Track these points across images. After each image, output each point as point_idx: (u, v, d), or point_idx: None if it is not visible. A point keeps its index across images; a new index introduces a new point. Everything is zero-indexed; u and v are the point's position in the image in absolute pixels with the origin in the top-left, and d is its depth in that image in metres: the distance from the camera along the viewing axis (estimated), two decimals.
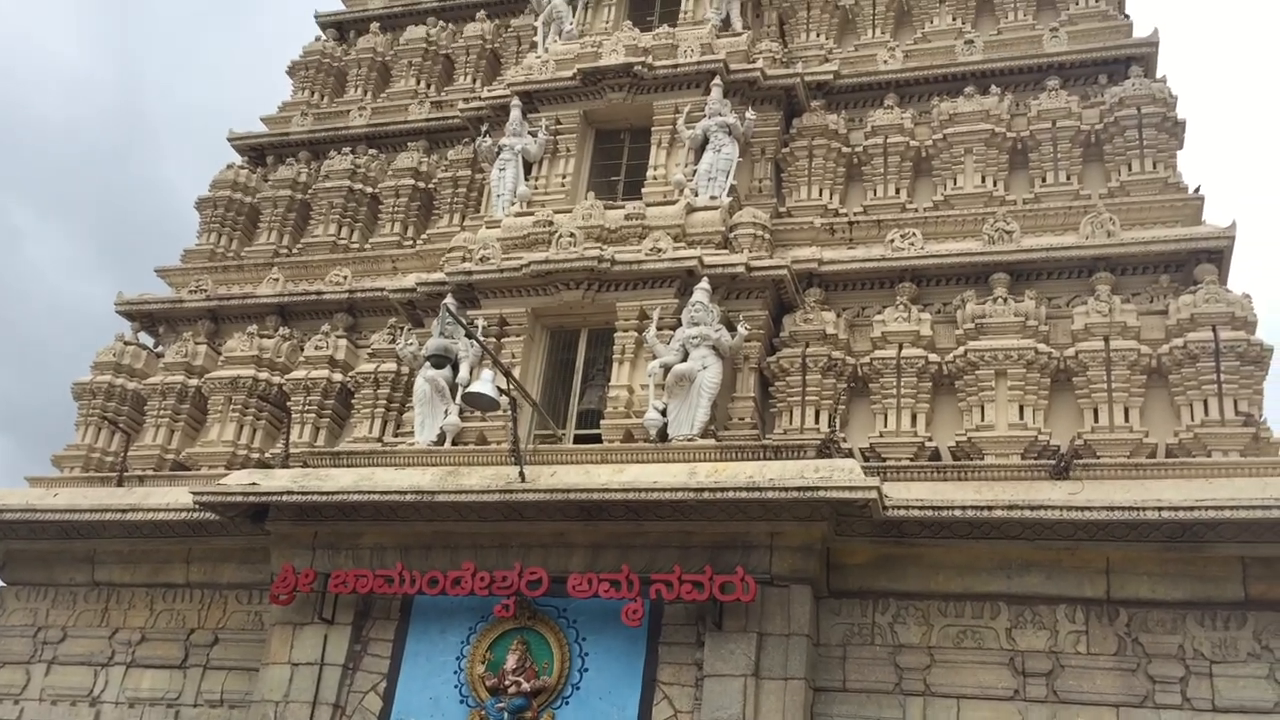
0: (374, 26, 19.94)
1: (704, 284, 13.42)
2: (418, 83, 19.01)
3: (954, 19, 16.37)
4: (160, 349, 17.35)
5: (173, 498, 14.62)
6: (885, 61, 16.13)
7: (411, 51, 19.19)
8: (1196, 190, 13.49)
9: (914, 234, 14.13)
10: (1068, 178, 14.27)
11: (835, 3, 17.03)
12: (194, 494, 13.69)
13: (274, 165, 18.79)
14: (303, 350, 16.17)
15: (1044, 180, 14.29)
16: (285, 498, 13.13)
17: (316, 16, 20.32)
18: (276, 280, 17.12)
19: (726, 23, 16.47)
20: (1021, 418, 12.46)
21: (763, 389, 13.67)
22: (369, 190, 17.94)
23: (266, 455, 15.48)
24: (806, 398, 13.28)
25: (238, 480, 13.59)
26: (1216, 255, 12.74)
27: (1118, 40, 15.13)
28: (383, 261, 16.96)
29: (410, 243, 17.23)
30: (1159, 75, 14.61)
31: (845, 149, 15.42)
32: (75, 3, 58.81)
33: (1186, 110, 14.36)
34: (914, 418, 12.96)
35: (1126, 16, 15.54)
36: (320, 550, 13.33)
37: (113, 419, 16.39)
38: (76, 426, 16.58)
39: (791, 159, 15.46)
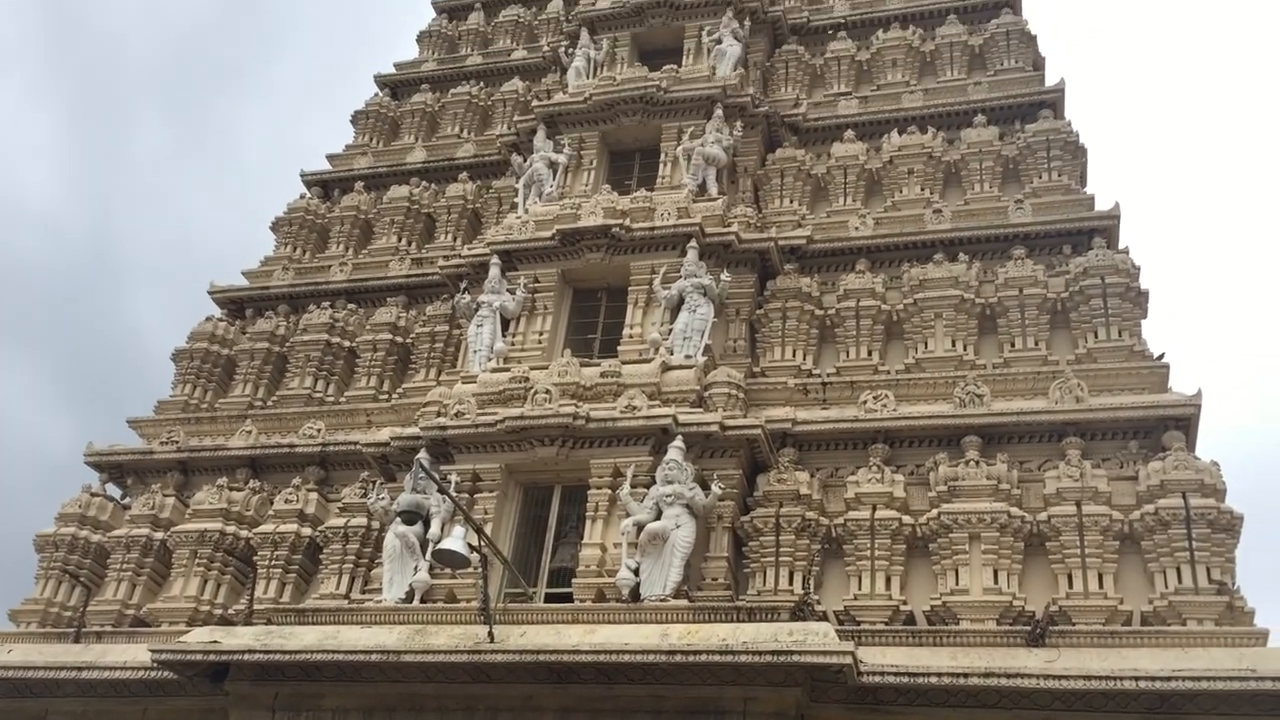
0: (359, 185, 20.46)
1: (678, 442, 13.50)
2: (399, 240, 19.41)
3: (922, 189, 16.97)
4: (127, 500, 17.16)
5: (130, 655, 14.23)
6: (856, 228, 16.64)
7: (394, 210, 19.65)
8: (1160, 358, 13.85)
9: (886, 396, 14.34)
10: (1036, 343, 14.65)
11: (808, 171, 17.65)
12: (152, 651, 13.34)
13: (253, 318, 18.99)
14: (272, 503, 16.03)
15: (1013, 345, 14.69)
16: (246, 656, 12.82)
17: (303, 175, 20.84)
18: (249, 432, 17.09)
19: (703, 188, 17.01)
20: (996, 582, 12.44)
21: (736, 549, 13.61)
22: (346, 344, 18.11)
23: (230, 611, 15.17)
24: (780, 558, 13.23)
25: (198, 638, 13.27)
26: (1184, 422, 12.99)
27: (1080, 213, 15.73)
28: (357, 415, 17.00)
29: (386, 397, 17.31)
30: (1121, 246, 15.18)
31: (818, 311, 15.77)
32: (50, 141, 59.99)
33: (1150, 278, 14.93)
34: (888, 580, 12.91)
35: (1087, 191, 16.20)
36: (280, 712, 12.94)
37: (74, 572, 16.07)
38: (36, 579, 16.24)
39: (766, 320, 15.77)
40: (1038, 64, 18.47)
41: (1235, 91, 61.02)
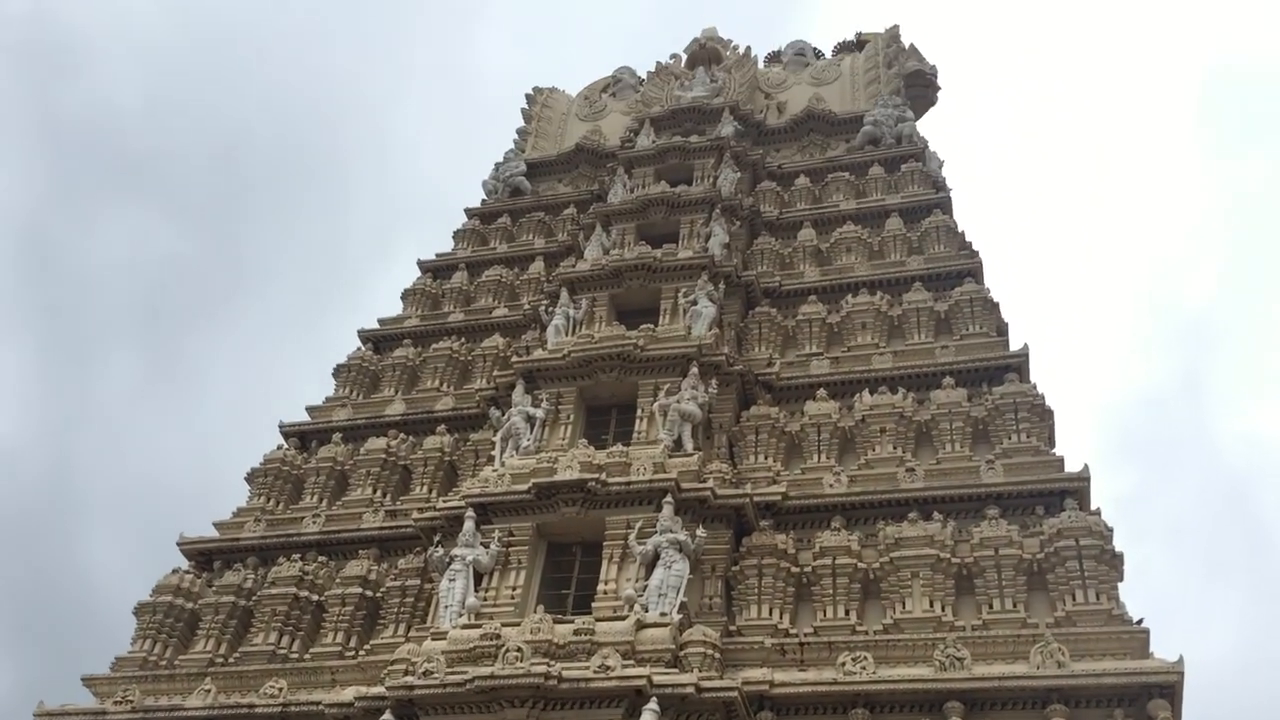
0: (336, 437, 20.62)
1: (653, 704, 13.10)
2: (374, 491, 19.40)
3: (895, 448, 17.25)
4: None
5: None
6: (831, 485, 16.78)
7: (371, 461, 19.73)
8: (1140, 622, 13.76)
9: (865, 657, 14.10)
10: (1014, 605, 14.71)
11: (782, 428, 17.96)
12: None
13: (220, 570, 18.83)
14: None
15: (990, 606, 14.76)
16: None
17: (281, 427, 21.08)
18: (208, 691, 16.47)
19: (678, 444, 17.22)
20: None
21: None
22: (315, 598, 17.76)
23: None
24: None
25: None
26: (1168, 690, 12.81)
27: (1051, 474, 16.01)
28: (322, 673, 16.45)
29: (353, 653, 16.82)
30: (1093, 508, 15.34)
31: (794, 569, 15.71)
32: (14, 377, 59.86)
33: (1123, 539, 15.08)
34: None
35: (1056, 453, 16.55)
36: None
37: None
38: None
39: (741, 577, 15.67)
40: (1001, 329, 19.24)
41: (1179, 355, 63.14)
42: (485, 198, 26.89)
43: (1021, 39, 77.09)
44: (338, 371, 22.10)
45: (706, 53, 28.32)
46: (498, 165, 27.36)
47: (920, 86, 26.25)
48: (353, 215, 70.52)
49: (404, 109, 76.05)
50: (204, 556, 19.08)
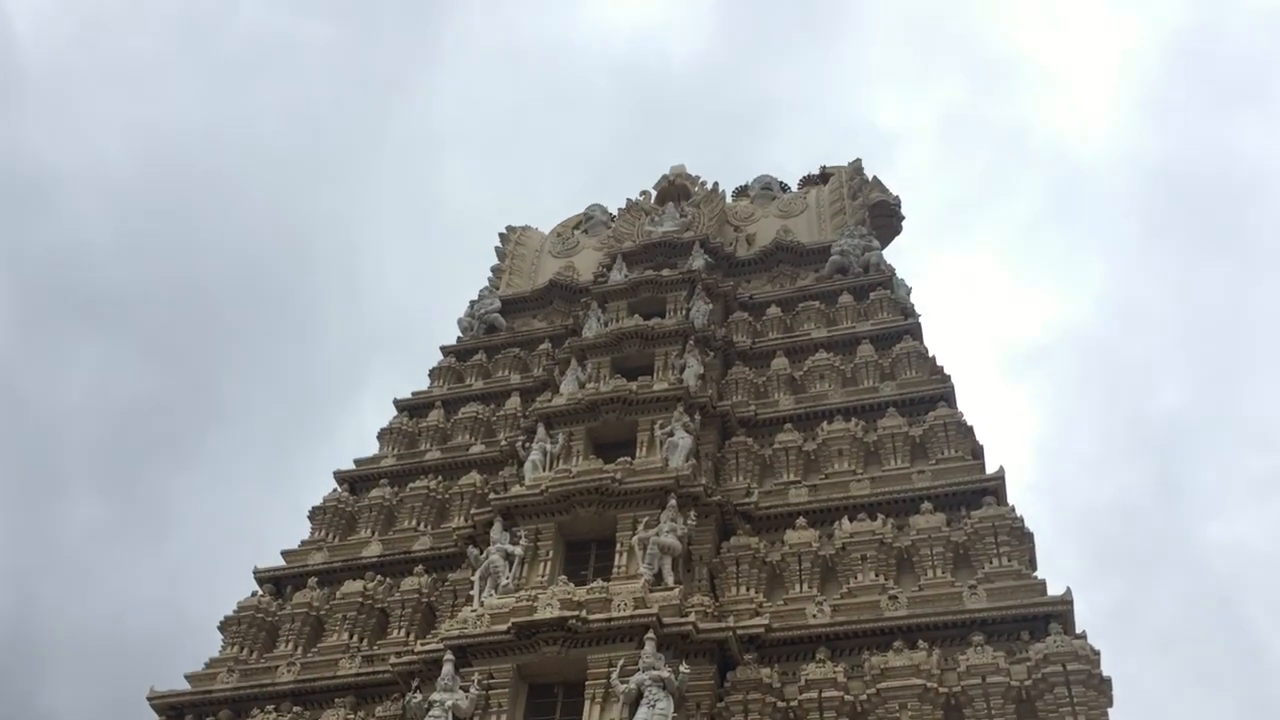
0: (312, 581, 20.33)
1: None
2: (350, 636, 19.11)
3: (876, 575, 17.18)
4: None
5: None
6: (814, 616, 16.63)
7: (347, 605, 19.48)
8: None
9: None
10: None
11: (763, 558, 17.90)
12: None
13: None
14: None
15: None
16: None
17: (256, 573, 20.95)
18: None
19: (659, 577, 17.07)
20: None
21: None
22: None
23: None
24: None
25: None
26: None
27: (1034, 598, 16.00)
28: None
29: None
30: (1079, 630, 15.28)
31: (780, 703, 15.52)
32: None
33: (1110, 664, 15.11)
34: None
35: (1038, 576, 16.61)
36: None
37: None
38: None
39: (727, 714, 15.49)
40: (976, 452, 19.40)
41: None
42: (461, 335, 27.13)
43: (981, 156, 79.35)
44: (314, 514, 21.95)
45: (675, 189, 29.04)
46: (472, 303, 27.71)
47: (884, 216, 26.93)
48: (323, 349, 70.46)
49: (372, 240, 76.92)
50: (175, 711, 18.65)
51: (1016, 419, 62.75)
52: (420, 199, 79.18)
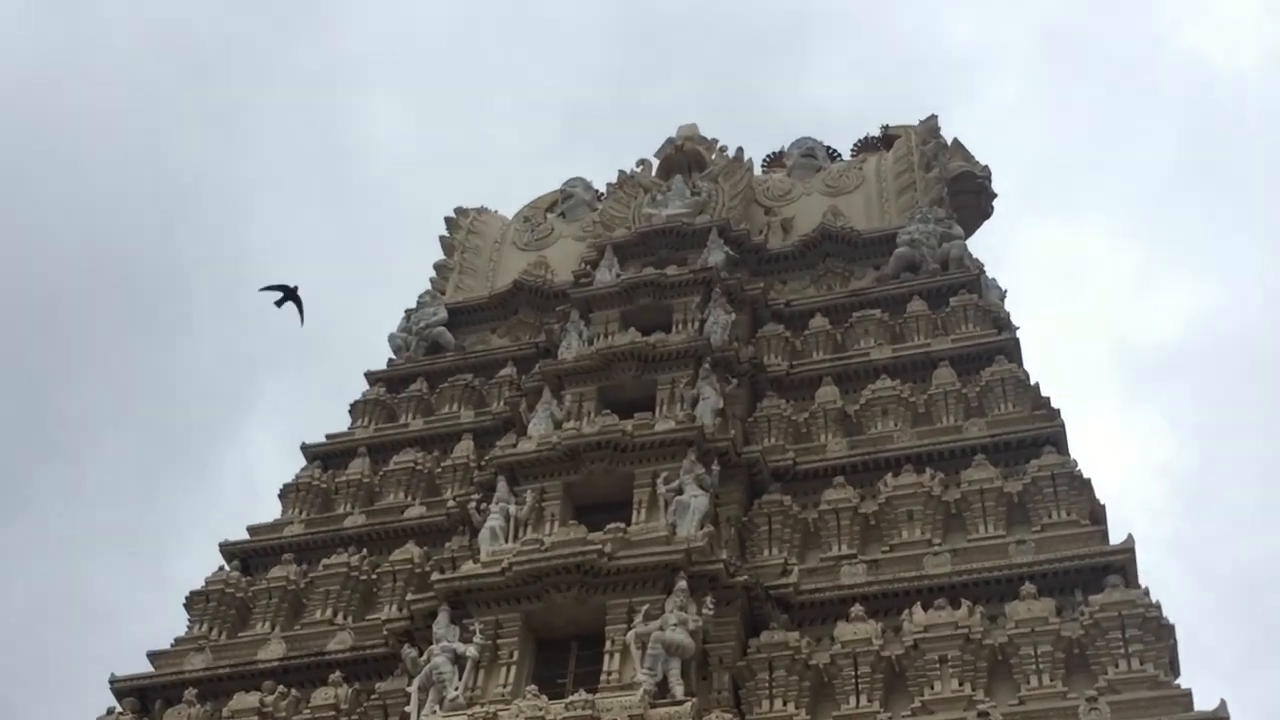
0: (189, 693, 20.70)
1: None
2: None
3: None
4: None
5: None
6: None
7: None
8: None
9: None
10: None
11: (805, 661, 18.09)
12: None
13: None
14: None
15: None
16: None
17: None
18: None
19: (663, 686, 17.07)
20: None
21: None
22: None
23: None
24: None
25: None
26: None
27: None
28: None
29: None
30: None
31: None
32: None
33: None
34: None
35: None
36: None
37: None
38: None
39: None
40: (1096, 516, 19.92)
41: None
42: (393, 356, 27.23)
43: (1092, 91, 78.68)
44: (191, 601, 22.29)
45: (685, 157, 29.22)
46: (409, 312, 27.82)
47: (969, 193, 27.04)
48: (198, 362, 69.76)
49: (265, 214, 75.05)
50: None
51: (1144, 447, 62.91)
52: (334, 163, 78.35)
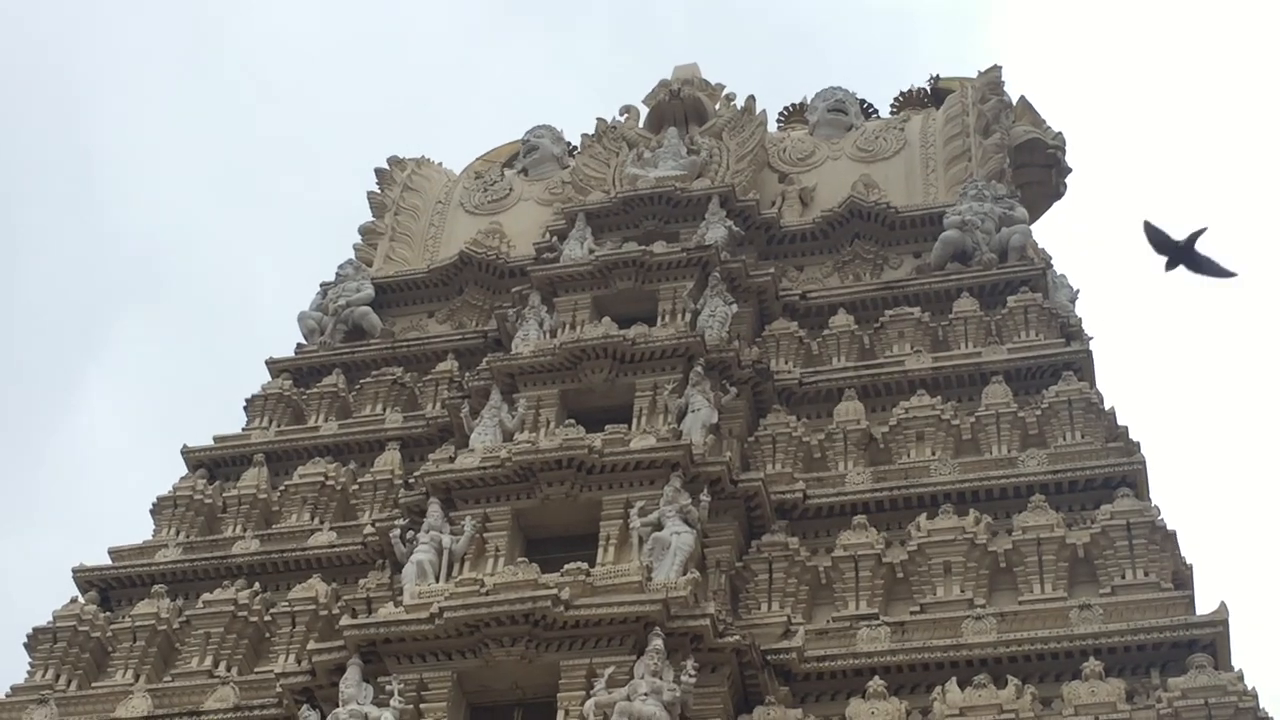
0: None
1: None
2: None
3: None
4: None
5: None
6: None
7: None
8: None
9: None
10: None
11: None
12: None
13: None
14: None
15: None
16: None
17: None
18: None
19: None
20: None
21: None
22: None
23: None
24: None
25: None
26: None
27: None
28: None
29: None
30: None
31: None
32: None
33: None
34: None
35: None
36: None
37: None
38: None
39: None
40: (1181, 579, 20.00)
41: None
42: (303, 340, 27.16)
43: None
44: (34, 640, 22.28)
45: (683, 105, 29.15)
46: (325, 287, 27.75)
47: (1037, 166, 27.06)
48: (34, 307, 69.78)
49: (133, 135, 74.94)
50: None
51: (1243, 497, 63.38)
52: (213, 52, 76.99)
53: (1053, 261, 25.05)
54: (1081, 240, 63.78)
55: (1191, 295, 72.35)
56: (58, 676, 21.88)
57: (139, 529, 24.37)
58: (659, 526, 19.60)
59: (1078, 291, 25.08)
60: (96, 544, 23.99)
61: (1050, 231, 27.59)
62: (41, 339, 72.24)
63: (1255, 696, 17.48)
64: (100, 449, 66.33)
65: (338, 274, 28.02)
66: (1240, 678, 17.87)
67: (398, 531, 20.87)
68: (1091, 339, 23.51)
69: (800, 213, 27.22)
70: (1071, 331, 23.63)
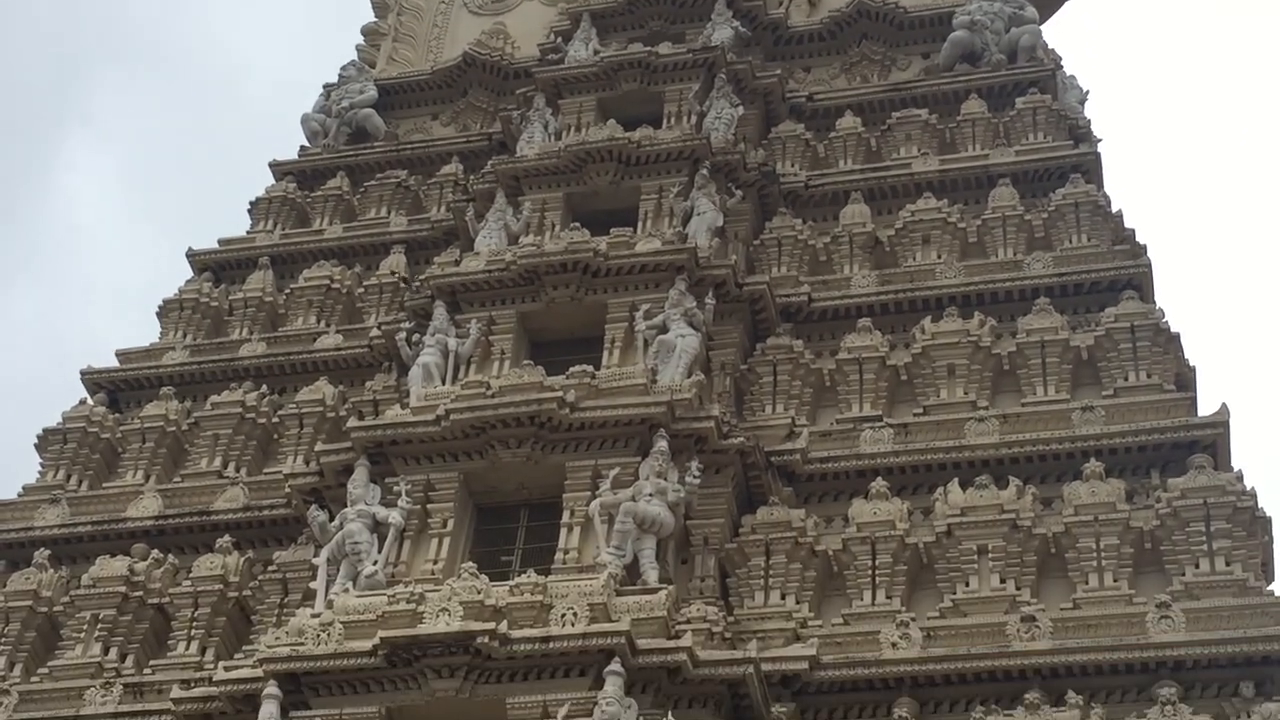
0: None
1: None
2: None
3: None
4: None
5: None
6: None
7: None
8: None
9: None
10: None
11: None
12: None
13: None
14: None
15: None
16: None
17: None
18: None
19: (634, 570, 17.40)
20: None
21: None
22: None
23: None
24: None
25: None
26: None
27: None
28: None
29: None
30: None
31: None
32: None
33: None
34: None
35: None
36: None
37: None
38: None
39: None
40: (1184, 380, 19.90)
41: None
42: (306, 144, 27.04)
43: None
44: (44, 441, 22.61)
45: None
46: (328, 89, 27.53)
47: None
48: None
49: None
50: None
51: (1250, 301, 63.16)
52: None
53: (1062, 62, 24.75)
54: (1092, 40, 62.77)
55: (1201, 95, 71.61)
56: (69, 477, 22.31)
57: (139, 331, 24.44)
58: (664, 329, 19.61)
59: (1087, 93, 24.82)
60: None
61: (1060, 32, 27.22)
62: (16, 96, 71.31)
63: (1254, 496, 17.78)
64: (86, 217, 66.61)
65: (340, 75, 27.75)
66: (1239, 478, 18.16)
67: (403, 334, 20.92)
68: (1100, 141, 23.34)
69: (808, 13, 26.83)
70: (1080, 134, 23.45)
